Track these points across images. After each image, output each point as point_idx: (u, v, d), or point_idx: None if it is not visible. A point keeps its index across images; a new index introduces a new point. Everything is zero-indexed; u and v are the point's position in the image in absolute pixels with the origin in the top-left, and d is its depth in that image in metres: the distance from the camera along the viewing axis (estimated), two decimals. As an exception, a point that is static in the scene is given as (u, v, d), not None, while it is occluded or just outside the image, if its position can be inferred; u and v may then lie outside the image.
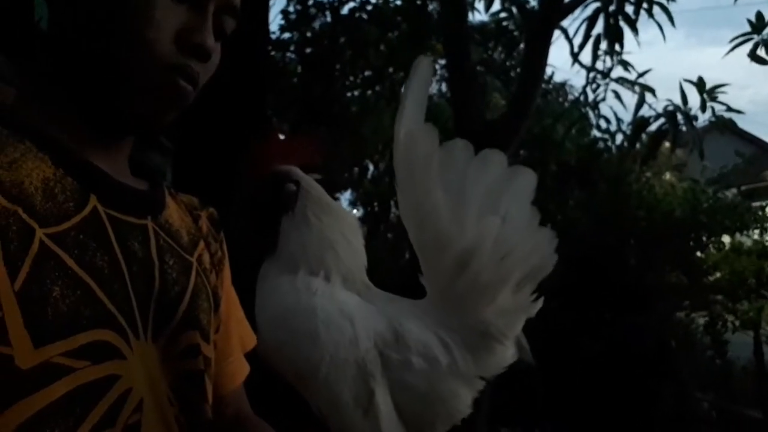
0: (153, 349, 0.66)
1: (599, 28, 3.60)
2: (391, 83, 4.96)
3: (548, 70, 5.43)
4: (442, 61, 4.55)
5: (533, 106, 3.21)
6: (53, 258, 0.58)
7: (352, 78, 5.30)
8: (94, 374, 0.59)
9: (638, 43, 5.27)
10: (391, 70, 4.93)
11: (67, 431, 0.56)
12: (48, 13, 0.68)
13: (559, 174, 5.41)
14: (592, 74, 4.41)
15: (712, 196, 5.49)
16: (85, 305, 0.59)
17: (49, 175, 0.61)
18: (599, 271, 4.64)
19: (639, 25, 3.56)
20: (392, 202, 6.49)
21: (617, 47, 3.70)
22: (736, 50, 3.43)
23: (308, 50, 5.01)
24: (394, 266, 5.27)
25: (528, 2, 3.87)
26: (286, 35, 4.99)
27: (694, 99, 3.60)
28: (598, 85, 4.52)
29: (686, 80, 3.61)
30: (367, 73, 5.23)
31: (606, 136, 5.21)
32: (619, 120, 5.12)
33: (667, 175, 6.27)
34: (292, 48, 5.08)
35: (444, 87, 5.99)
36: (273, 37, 4.81)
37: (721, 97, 3.61)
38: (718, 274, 5.47)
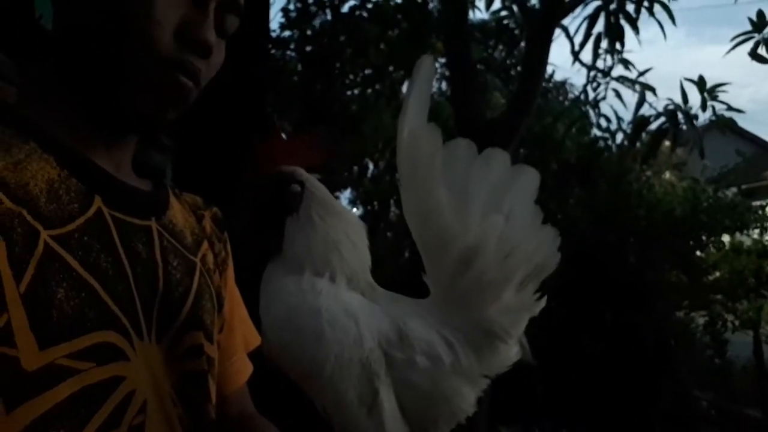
0: (157, 350, 0.66)
1: (600, 26, 3.60)
2: (392, 82, 4.95)
3: (549, 69, 5.43)
4: (443, 60, 4.54)
5: (534, 104, 3.21)
6: (58, 260, 0.58)
7: (352, 76, 5.29)
8: (99, 376, 0.59)
9: (639, 42, 5.27)
10: (391, 68, 4.92)
11: None
12: (50, 10, 0.68)
13: (560, 172, 5.41)
14: (592, 73, 4.41)
15: (712, 195, 5.49)
16: (90, 307, 0.59)
17: (53, 177, 0.61)
18: (599, 269, 4.65)
19: (639, 23, 3.56)
20: (392, 201, 6.48)
21: (618, 46, 3.70)
22: (737, 49, 3.43)
23: (308, 48, 5.00)
24: (394, 265, 5.27)
25: (529, 0, 3.86)
26: (287, 33, 4.99)
27: (694, 98, 3.61)
28: (599, 84, 4.52)
29: (687, 79, 3.62)
30: (367, 71, 5.23)
31: (606, 134, 5.21)
32: (619, 119, 5.12)
33: (667, 174, 6.27)
34: (292, 46, 5.07)
35: (444, 85, 5.99)
36: (273, 35, 4.80)
37: (721, 96, 3.61)
38: (717, 274, 5.47)
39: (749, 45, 3.37)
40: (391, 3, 4.61)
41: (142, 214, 0.70)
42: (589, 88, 4.61)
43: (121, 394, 0.60)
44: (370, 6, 4.59)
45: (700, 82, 3.57)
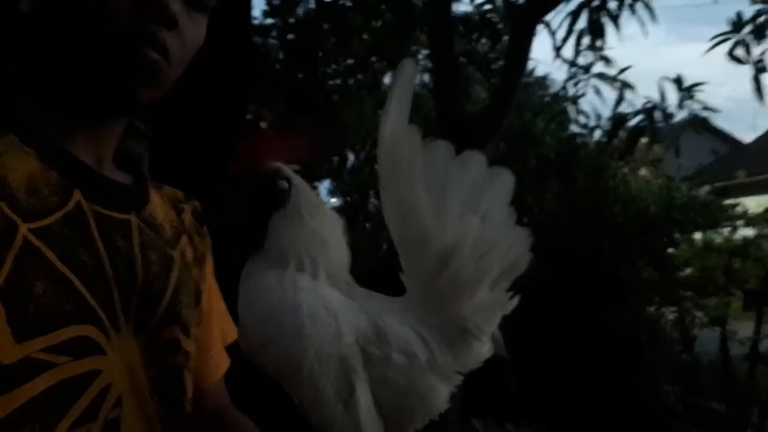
0: (134, 344, 0.66)
1: (582, 22, 3.63)
2: (374, 72, 4.94)
3: (530, 64, 5.46)
4: (426, 51, 4.54)
5: (515, 99, 3.22)
6: (36, 253, 0.58)
7: (334, 66, 5.27)
8: (75, 370, 0.59)
9: (620, 39, 5.32)
10: (374, 59, 4.90)
11: (48, 426, 0.56)
12: None
13: (538, 167, 5.45)
14: (573, 69, 4.44)
15: (686, 193, 5.58)
16: (67, 301, 0.59)
17: (33, 170, 0.61)
18: (574, 265, 4.70)
19: (621, 20, 3.59)
20: (371, 193, 6.48)
21: (599, 43, 3.73)
22: (715, 48, 3.49)
23: (291, 37, 4.96)
24: (372, 256, 5.28)
25: (512, -5, 3.87)
26: (269, 21, 4.94)
27: (673, 96, 3.66)
28: (579, 80, 4.55)
29: (665, 78, 3.67)
30: (349, 61, 5.20)
31: (585, 131, 5.27)
32: (598, 115, 5.18)
33: (644, 171, 6.35)
34: (274, 34, 5.02)
35: (427, 78, 5.99)
36: (255, 22, 4.75)
37: (698, 95, 3.67)
38: (689, 271, 5.57)
39: (728, 45, 3.43)
40: (375, -7, 4.59)
41: (121, 207, 0.70)
42: (569, 84, 4.65)
43: (97, 387, 0.61)
44: (353, -5, 4.57)
45: (678, 81, 3.62)
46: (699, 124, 3.77)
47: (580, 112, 5.04)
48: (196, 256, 0.84)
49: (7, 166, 0.59)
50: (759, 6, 3.34)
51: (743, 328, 4.64)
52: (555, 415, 3.98)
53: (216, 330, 0.90)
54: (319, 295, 0.71)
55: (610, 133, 4.26)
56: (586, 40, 3.74)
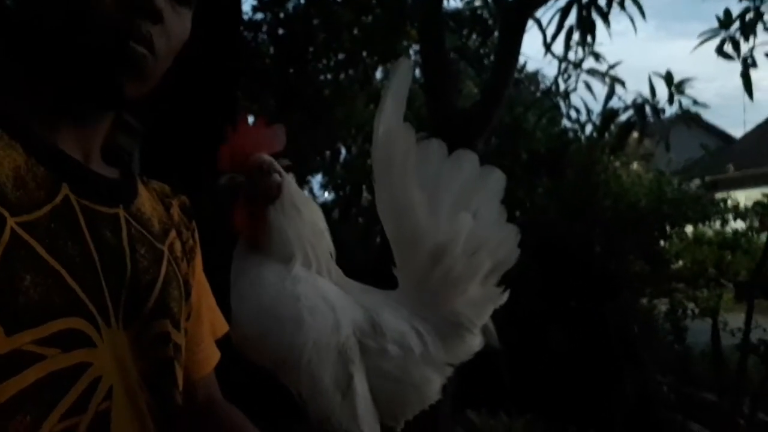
0: (124, 337, 0.67)
1: (572, 18, 3.64)
2: (365, 67, 4.94)
3: (521, 60, 5.47)
4: (417, 47, 4.54)
5: (506, 94, 3.23)
6: (24, 247, 0.58)
7: (325, 61, 5.26)
8: (65, 362, 0.59)
9: (609, 35, 5.34)
10: (365, 54, 4.90)
11: (38, 418, 0.56)
12: None
13: (529, 162, 5.47)
14: (563, 64, 4.45)
15: (676, 187, 5.61)
16: (57, 293, 0.59)
17: (20, 164, 0.61)
18: (566, 258, 4.73)
19: (611, 16, 3.61)
20: (364, 187, 6.49)
21: (589, 38, 3.74)
22: (704, 44, 3.50)
23: (281, 32, 4.95)
24: (365, 250, 5.29)
25: (502, -10, 3.88)
26: (259, 16, 4.92)
27: (663, 91, 3.68)
28: (570, 76, 4.57)
29: (655, 73, 3.69)
30: (340, 56, 5.20)
31: (576, 126, 5.29)
32: (589, 110, 5.20)
33: (635, 165, 6.39)
34: (264, 29, 5.01)
35: (418, 73, 5.99)
36: (245, 17, 4.74)
37: (688, 91, 3.69)
38: (680, 263, 5.62)
39: (716, 41, 3.45)
40: (366, -12, 4.58)
41: (109, 202, 0.70)
42: (560, 79, 4.67)
43: (87, 380, 0.61)
44: (344, -10, 4.56)
45: (668, 77, 3.64)
46: (690, 119, 3.79)
47: (571, 107, 5.07)
48: (184, 251, 0.84)
49: None
50: (746, 3, 3.36)
51: (734, 319, 4.68)
52: (548, 406, 4.01)
53: (206, 323, 0.91)
54: (316, 287, 0.72)
55: (601, 129, 4.28)
56: (576, 36, 3.76)
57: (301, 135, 5.40)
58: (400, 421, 0.75)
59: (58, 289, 0.59)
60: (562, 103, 5.11)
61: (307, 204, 0.75)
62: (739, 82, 3.39)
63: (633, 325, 4.87)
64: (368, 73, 4.95)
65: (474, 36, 4.50)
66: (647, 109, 3.62)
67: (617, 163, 5.85)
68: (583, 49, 4.17)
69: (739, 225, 5.80)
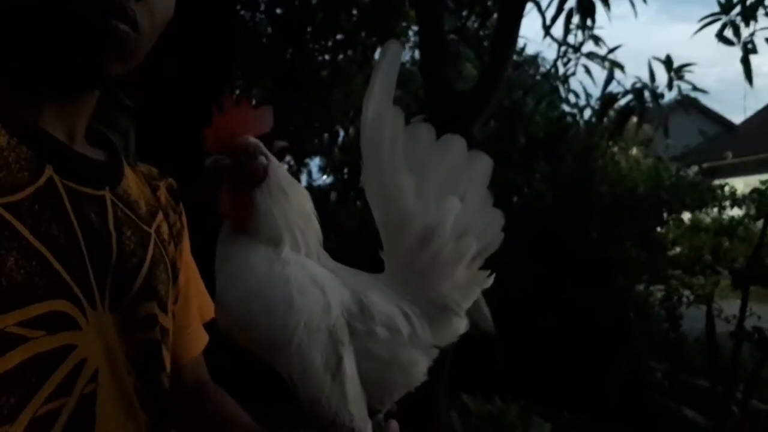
0: (110, 320, 0.66)
1: (572, 1, 3.60)
2: (363, 48, 4.90)
3: (520, 42, 5.43)
4: (416, 28, 4.50)
5: (504, 77, 3.20)
6: (8, 228, 0.57)
7: (323, 42, 5.22)
8: (49, 344, 0.59)
9: (609, 18, 5.30)
10: (363, 34, 4.86)
11: (22, 400, 0.56)
12: None
13: (527, 147, 5.46)
14: (563, 48, 4.42)
15: (674, 173, 5.61)
16: (41, 275, 0.58)
17: (2, 144, 0.60)
18: (562, 244, 4.74)
19: (611, -1, 3.57)
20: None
21: (589, 22, 3.71)
22: (706, 29, 3.47)
23: (279, 11, 4.90)
24: (363, 233, 5.29)
25: (502, -28, 3.83)
26: (257, -5, 4.88)
27: (662, 75, 3.66)
28: (569, 60, 4.54)
29: (655, 58, 3.66)
30: (338, 36, 5.16)
31: (574, 110, 5.27)
32: (588, 95, 5.18)
33: (634, 150, 6.38)
34: (262, 9, 4.96)
35: (417, 54, 5.95)
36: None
37: (688, 76, 3.67)
38: (677, 250, 5.63)
39: (717, 26, 3.42)
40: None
41: (95, 183, 0.69)
42: (559, 63, 4.64)
43: (72, 362, 0.61)
44: (342, -30, 4.51)
45: (667, 62, 3.62)
46: (689, 104, 3.78)
47: (570, 91, 5.04)
48: (171, 233, 0.84)
49: None
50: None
51: (730, 307, 4.70)
52: (543, 391, 4.04)
53: (194, 307, 0.90)
54: (306, 269, 0.72)
55: (600, 113, 4.26)
56: (575, 19, 3.72)
57: (299, 116, 5.37)
58: (385, 404, 0.75)
59: (42, 271, 0.59)
60: (561, 87, 5.08)
61: (294, 187, 0.74)
62: (739, 67, 3.37)
63: (628, 311, 4.89)
64: (367, 54, 4.91)
65: (473, 17, 4.46)
66: (646, 94, 3.60)
67: (615, 149, 5.84)
68: (583, 33, 4.14)
69: (737, 212, 5.80)
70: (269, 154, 0.72)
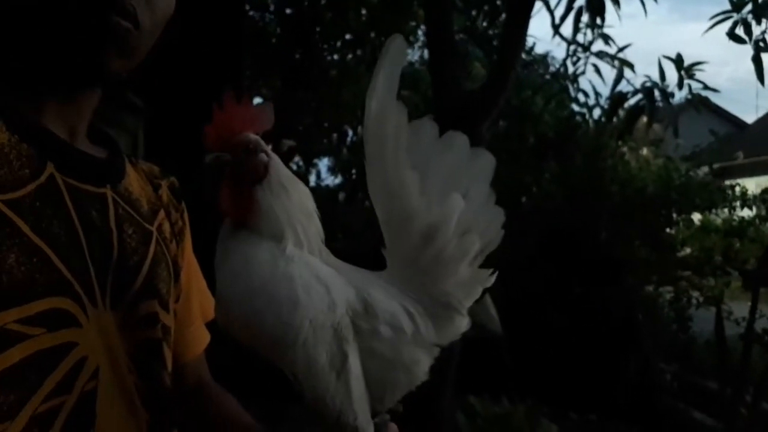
0: (111, 318, 0.66)
1: (581, 0, 3.58)
2: (372, 48, 4.90)
3: (529, 41, 5.41)
4: (425, 27, 4.49)
5: (512, 77, 3.19)
6: (9, 225, 0.57)
7: (332, 42, 5.22)
8: (50, 342, 0.59)
9: (619, 17, 5.27)
10: (372, 34, 4.86)
11: (22, 397, 0.56)
12: None
13: (537, 146, 5.44)
14: (572, 47, 4.40)
15: (684, 173, 5.57)
16: (42, 272, 0.58)
17: (3, 141, 0.60)
18: (571, 244, 4.71)
19: (622, -2, 3.54)
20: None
21: (598, 20, 3.68)
22: (717, 27, 3.44)
23: (288, 11, 4.91)
24: (371, 233, 5.29)
25: (510, -29, 3.81)
26: (266, -5, 4.89)
27: (672, 74, 3.63)
28: (579, 59, 4.52)
29: (665, 57, 3.63)
30: (347, 36, 5.16)
31: (584, 109, 5.24)
32: (597, 94, 5.15)
33: (644, 151, 6.34)
34: (271, 9, 4.97)
35: (426, 54, 5.94)
36: (252, -4, 4.70)
37: (699, 75, 3.63)
38: (687, 250, 5.59)
39: (728, 24, 3.39)
40: (373, -32, 4.53)
41: (96, 181, 0.69)
42: (568, 62, 4.61)
43: (72, 360, 0.60)
44: (351, -30, 4.51)
45: (678, 60, 3.59)
46: (700, 103, 3.74)
47: (579, 90, 5.02)
48: (173, 232, 0.84)
49: None
50: (760, -15, 3.28)
51: (740, 308, 4.66)
52: (550, 392, 4.02)
53: (196, 305, 0.90)
54: (310, 266, 0.71)
55: (609, 113, 4.23)
56: (585, 18, 3.70)
57: (308, 116, 5.38)
58: (387, 404, 0.75)
59: (43, 268, 0.58)
60: (570, 87, 5.05)
61: (295, 184, 0.74)
62: (751, 66, 3.33)
63: (637, 312, 4.86)
64: (375, 54, 4.91)
65: (482, 17, 4.44)
66: (656, 93, 3.57)
67: (625, 149, 5.81)
68: (593, 32, 4.11)
69: (748, 213, 5.75)
70: (270, 151, 0.72)
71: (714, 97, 3.81)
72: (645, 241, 5.28)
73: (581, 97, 5.24)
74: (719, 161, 6.93)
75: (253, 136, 0.70)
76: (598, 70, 4.43)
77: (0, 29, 0.65)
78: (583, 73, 4.63)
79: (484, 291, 0.80)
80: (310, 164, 7.73)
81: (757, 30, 3.32)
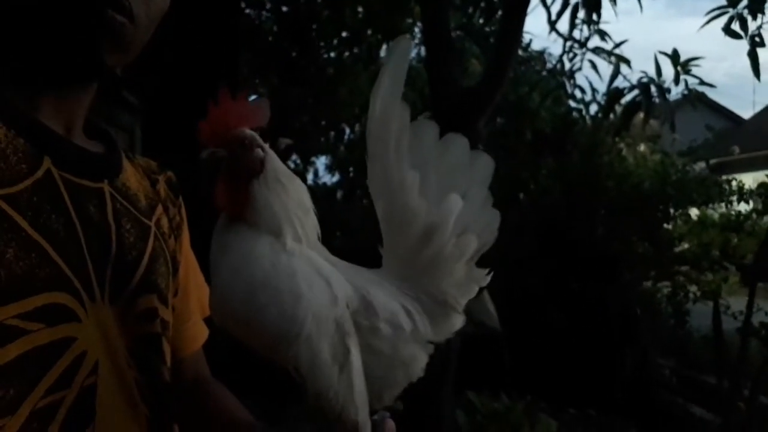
0: (110, 312, 0.66)
1: (577, -5, 3.57)
2: (369, 45, 4.89)
3: (526, 38, 5.41)
4: (421, 24, 4.48)
5: (508, 74, 3.19)
6: (6, 220, 0.57)
7: (328, 39, 5.22)
8: (49, 337, 0.59)
9: (615, 13, 5.27)
10: (369, 32, 4.86)
11: (22, 392, 0.56)
12: None
13: (534, 143, 5.45)
14: (569, 43, 4.40)
15: (680, 168, 5.58)
16: (40, 267, 0.58)
17: (0, 137, 0.60)
18: (568, 239, 4.72)
19: (619, -6, 3.54)
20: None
21: (595, 16, 3.69)
22: (714, 23, 3.44)
23: (284, 9, 4.90)
24: (369, 231, 5.29)
25: (506, -32, 3.81)
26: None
27: (669, 70, 3.63)
28: (575, 55, 4.52)
29: (661, 52, 3.63)
30: (344, 34, 5.15)
31: (581, 106, 5.25)
32: (594, 90, 5.15)
33: (642, 147, 6.34)
34: (267, 7, 4.96)
35: (423, 51, 5.93)
36: (248, -6, 4.69)
37: (696, 70, 3.64)
38: (685, 245, 5.60)
39: (724, 19, 3.39)
40: (370, -35, 4.52)
41: (93, 176, 0.69)
42: (565, 58, 4.62)
43: (71, 355, 0.61)
44: (347, -33, 4.50)
45: (674, 56, 3.59)
46: (697, 98, 3.74)
47: (576, 86, 5.02)
48: (171, 227, 0.84)
49: None
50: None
51: (738, 303, 4.67)
52: (549, 388, 4.03)
53: (194, 300, 0.90)
54: (311, 261, 0.71)
55: (606, 109, 4.23)
56: (581, 14, 3.69)
57: (305, 114, 5.37)
58: (384, 401, 0.75)
59: (41, 263, 0.59)
60: (567, 83, 5.05)
61: (291, 179, 0.74)
62: (748, 62, 3.33)
63: (634, 307, 4.87)
64: (372, 51, 4.91)
65: (478, 13, 4.44)
66: (653, 89, 3.57)
67: (622, 145, 5.81)
68: (589, 28, 4.11)
69: (745, 207, 5.76)
70: (266, 147, 0.72)
71: (711, 93, 3.84)
72: (642, 236, 5.28)
73: (578, 94, 5.25)
74: (716, 157, 6.94)
75: (249, 132, 0.69)
76: (594, 66, 4.44)
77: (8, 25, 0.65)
78: (580, 69, 4.64)
79: (482, 288, 0.81)
80: (307, 162, 7.72)
81: (752, 25, 3.32)
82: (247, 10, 4.85)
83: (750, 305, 3.90)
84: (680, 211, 5.51)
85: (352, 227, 5.20)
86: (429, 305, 0.75)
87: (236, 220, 0.71)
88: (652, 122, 4.87)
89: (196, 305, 0.91)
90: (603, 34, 4.13)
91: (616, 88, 3.82)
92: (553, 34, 4.10)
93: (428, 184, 0.74)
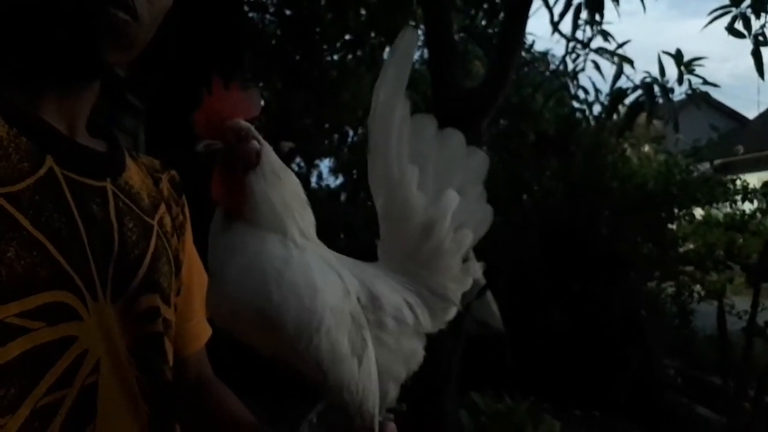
0: (112, 311, 0.66)
1: (580, -4, 3.57)
2: (372, 48, 4.90)
3: (529, 39, 5.41)
4: (424, 26, 4.48)
5: (511, 75, 3.19)
6: (8, 218, 0.57)
7: (331, 42, 5.22)
8: (50, 335, 0.59)
9: (618, 14, 5.26)
10: (372, 34, 4.86)
11: (23, 390, 0.56)
12: None
13: (537, 144, 5.44)
14: (571, 44, 4.39)
15: (684, 169, 5.56)
16: (42, 266, 0.58)
17: (2, 135, 0.60)
18: (572, 241, 4.71)
19: (623, -5, 3.54)
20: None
21: (597, 17, 3.68)
22: (718, 23, 3.43)
23: (288, 12, 4.91)
24: (372, 233, 5.28)
25: (509, -31, 3.81)
26: (266, -4, 4.89)
27: (672, 70, 3.61)
28: (578, 56, 4.51)
29: (665, 52, 3.62)
30: (347, 37, 5.16)
31: (584, 106, 5.23)
32: (597, 90, 5.14)
33: (646, 147, 6.33)
34: (271, 10, 4.97)
35: (426, 53, 5.93)
36: (251, -3, 4.71)
37: (700, 70, 3.61)
38: (690, 246, 5.58)
39: (727, 19, 3.38)
40: (372, -32, 4.53)
41: (96, 174, 0.69)
42: (568, 59, 4.60)
43: (73, 353, 0.61)
44: (350, -30, 4.51)
45: (677, 56, 3.58)
46: (701, 98, 3.73)
47: (579, 87, 5.01)
48: (174, 225, 0.83)
49: None
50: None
51: (743, 302, 4.65)
52: (552, 389, 4.02)
53: (197, 299, 0.90)
54: (320, 255, 0.71)
55: (609, 109, 4.22)
56: (584, 15, 3.69)
57: (308, 117, 5.38)
58: (390, 396, 0.75)
59: (43, 261, 0.59)
60: (570, 84, 5.04)
61: (287, 172, 0.73)
62: (752, 62, 3.31)
63: (639, 308, 4.86)
64: (375, 53, 4.91)
65: (481, 15, 4.44)
66: (656, 89, 3.56)
67: (626, 145, 5.80)
68: (592, 28, 4.10)
69: (750, 207, 5.74)
70: (262, 139, 0.71)
71: (715, 93, 3.82)
72: (646, 236, 5.27)
73: (581, 94, 5.23)
74: (720, 157, 6.92)
75: (244, 123, 0.68)
76: (597, 67, 4.42)
77: (9, 23, 0.65)
78: (583, 69, 4.61)
79: (486, 288, 0.82)
80: (311, 165, 7.74)
81: (756, 24, 3.31)
82: (251, 14, 4.87)
83: (755, 305, 3.89)
84: (684, 211, 5.50)
85: (355, 229, 5.21)
86: (429, 299, 0.76)
87: (235, 218, 0.69)
88: (656, 122, 4.86)
89: (199, 304, 0.91)
90: (606, 35, 4.12)
91: (620, 89, 3.81)
92: (556, 35, 4.10)
93: (427, 179, 0.74)
